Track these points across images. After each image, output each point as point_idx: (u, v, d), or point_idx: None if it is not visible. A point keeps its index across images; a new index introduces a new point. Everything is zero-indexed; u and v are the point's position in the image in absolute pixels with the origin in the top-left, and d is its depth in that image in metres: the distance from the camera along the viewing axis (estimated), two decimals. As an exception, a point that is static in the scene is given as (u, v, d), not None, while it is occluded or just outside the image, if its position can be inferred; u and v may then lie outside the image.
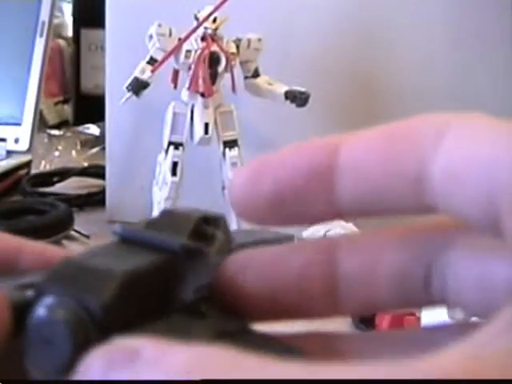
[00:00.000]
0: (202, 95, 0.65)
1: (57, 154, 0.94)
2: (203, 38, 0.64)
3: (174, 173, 0.63)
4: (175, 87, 0.66)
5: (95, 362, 0.12)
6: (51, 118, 1.09)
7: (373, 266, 0.17)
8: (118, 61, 0.73)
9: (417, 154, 0.15)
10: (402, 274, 0.17)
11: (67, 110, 1.13)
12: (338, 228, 0.47)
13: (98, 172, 0.81)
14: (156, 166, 0.65)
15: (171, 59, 0.65)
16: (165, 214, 0.17)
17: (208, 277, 0.17)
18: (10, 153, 0.84)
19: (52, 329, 0.13)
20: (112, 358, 0.12)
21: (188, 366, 0.12)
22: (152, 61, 0.64)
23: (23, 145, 0.84)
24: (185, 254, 0.15)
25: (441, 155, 0.14)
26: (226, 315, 0.17)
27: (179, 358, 0.12)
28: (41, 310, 0.13)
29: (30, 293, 0.14)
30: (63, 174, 0.84)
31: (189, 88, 0.65)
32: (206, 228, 0.16)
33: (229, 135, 0.67)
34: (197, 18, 0.64)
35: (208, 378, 0.11)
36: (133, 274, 0.14)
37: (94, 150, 0.94)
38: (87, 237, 0.68)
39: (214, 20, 0.64)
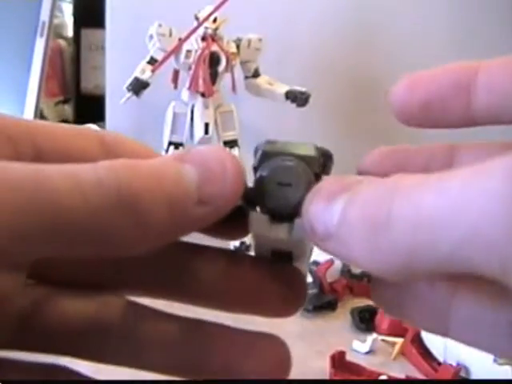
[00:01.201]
0: (203, 95, 0.65)
1: (57, 153, 0.94)
2: (203, 38, 0.64)
3: (174, 173, 0.63)
4: (175, 87, 0.66)
5: (320, 195, 0.16)
6: (51, 118, 1.09)
7: None
8: (117, 61, 0.73)
9: None
10: None
11: (67, 109, 1.13)
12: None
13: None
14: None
15: (171, 59, 0.65)
16: (280, 145, 0.19)
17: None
18: (10, 153, 0.84)
19: (288, 173, 0.17)
20: (332, 190, 0.15)
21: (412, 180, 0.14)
22: (152, 61, 0.64)
23: (23, 145, 0.84)
24: (321, 156, 0.19)
25: None
26: None
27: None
28: (277, 161, 0.18)
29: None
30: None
31: (189, 88, 0.65)
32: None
33: (229, 135, 0.67)
34: (197, 18, 0.64)
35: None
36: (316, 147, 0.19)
37: (94, 149, 0.94)
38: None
39: (215, 20, 0.64)
